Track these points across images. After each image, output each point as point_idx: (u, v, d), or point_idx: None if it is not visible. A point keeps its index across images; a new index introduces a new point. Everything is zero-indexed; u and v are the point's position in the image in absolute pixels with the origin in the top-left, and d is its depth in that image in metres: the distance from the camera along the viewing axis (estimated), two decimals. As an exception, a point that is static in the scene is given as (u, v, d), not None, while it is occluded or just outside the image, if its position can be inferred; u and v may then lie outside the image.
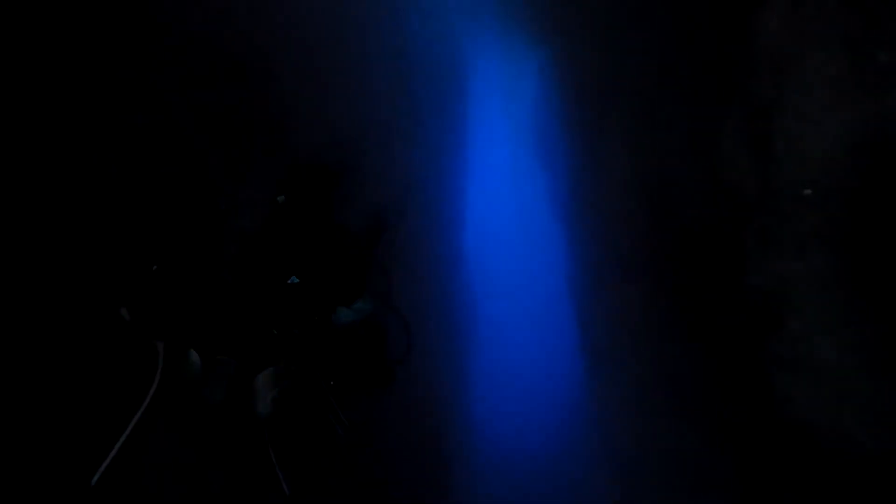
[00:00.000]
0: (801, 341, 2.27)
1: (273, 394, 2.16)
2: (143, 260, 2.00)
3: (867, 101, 1.81)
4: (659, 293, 4.40)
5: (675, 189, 3.92)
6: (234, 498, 2.50)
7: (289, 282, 2.26)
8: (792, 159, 1.94)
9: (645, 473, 5.25)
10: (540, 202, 15.98)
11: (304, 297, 2.23)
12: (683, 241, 3.48)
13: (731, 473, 3.18)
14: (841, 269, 2.05)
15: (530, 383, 19.71)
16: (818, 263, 2.08)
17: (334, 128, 4.86)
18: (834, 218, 1.96)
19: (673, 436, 4.11)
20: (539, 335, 21.59)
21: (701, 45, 2.66)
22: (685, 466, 3.95)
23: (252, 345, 2.18)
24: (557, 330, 18.08)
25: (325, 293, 2.27)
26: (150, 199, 2.24)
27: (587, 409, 12.50)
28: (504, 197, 23.00)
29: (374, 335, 2.45)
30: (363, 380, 2.41)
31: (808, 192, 1.96)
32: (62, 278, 2.00)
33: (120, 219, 2.13)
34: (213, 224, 2.48)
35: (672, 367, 4.45)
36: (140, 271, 1.94)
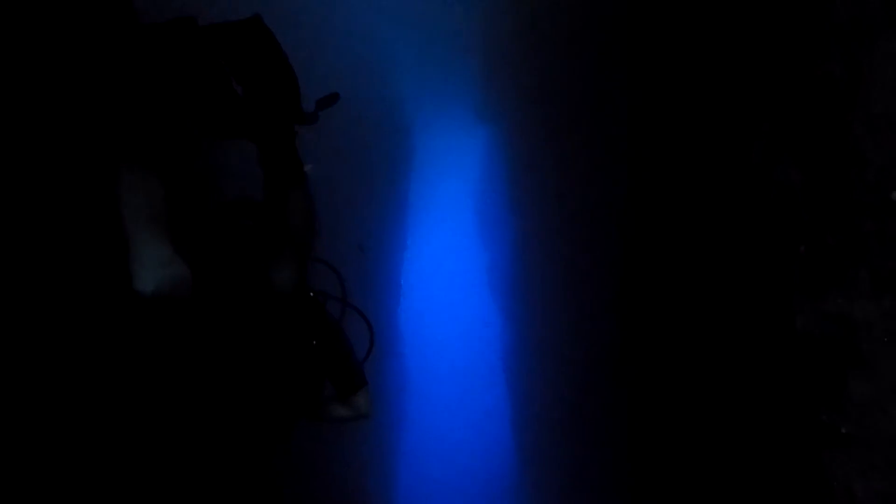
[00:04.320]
0: (869, 410, 1.71)
1: None
2: None
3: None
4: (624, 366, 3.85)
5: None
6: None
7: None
8: (876, 152, 1.45)
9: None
10: (480, 282, 15.70)
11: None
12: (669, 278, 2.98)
13: None
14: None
15: (461, 471, 19.22)
16: (902, 301, 1.56)
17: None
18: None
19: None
20: (473, 417, 21.04)
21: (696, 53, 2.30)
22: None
23: None
24: (493, 413, 17.58)
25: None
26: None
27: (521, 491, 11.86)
28: (443, 275, 22.81)
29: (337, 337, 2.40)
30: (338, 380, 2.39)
31: (897, 196, 1.45)
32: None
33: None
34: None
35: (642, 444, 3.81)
36: None
